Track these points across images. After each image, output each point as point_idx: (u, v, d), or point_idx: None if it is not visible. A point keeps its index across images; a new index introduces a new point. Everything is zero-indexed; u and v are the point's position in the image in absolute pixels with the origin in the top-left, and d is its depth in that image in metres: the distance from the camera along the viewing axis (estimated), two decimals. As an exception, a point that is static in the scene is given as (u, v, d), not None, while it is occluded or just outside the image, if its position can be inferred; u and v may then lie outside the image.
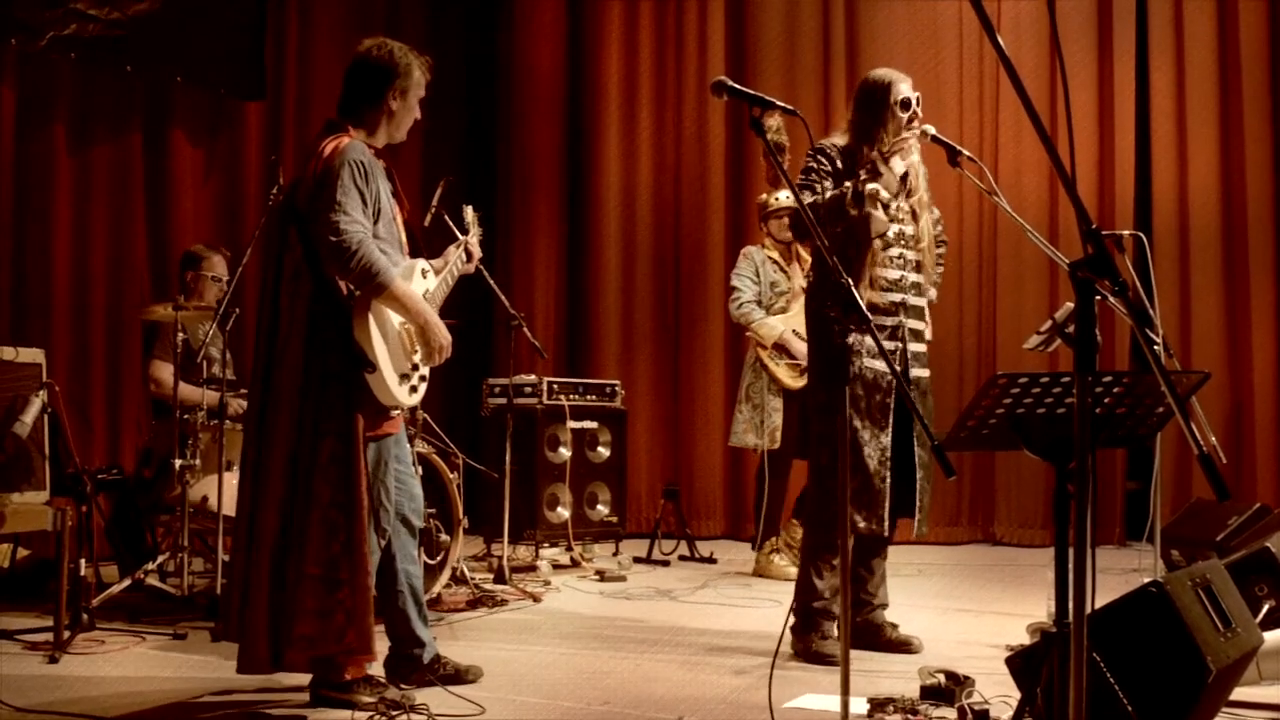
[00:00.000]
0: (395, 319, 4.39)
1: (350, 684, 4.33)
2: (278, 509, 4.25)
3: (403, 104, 4.53)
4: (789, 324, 7.51)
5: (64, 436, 5.55)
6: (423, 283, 4.58)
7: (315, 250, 4.26)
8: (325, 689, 4.35)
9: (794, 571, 7.50)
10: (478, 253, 5.02)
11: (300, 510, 4.23)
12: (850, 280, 3.54)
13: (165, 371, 6.51)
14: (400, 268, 4.44)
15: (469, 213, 5.16)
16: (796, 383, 7.49)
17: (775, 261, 7.68)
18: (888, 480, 5.23)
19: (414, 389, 4.45)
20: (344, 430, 4.24)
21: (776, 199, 7.65)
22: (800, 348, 7.37)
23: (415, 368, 4.45)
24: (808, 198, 5.08)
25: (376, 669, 4.48)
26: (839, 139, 5.38)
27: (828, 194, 5.10)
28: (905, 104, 5.24)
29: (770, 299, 7.65)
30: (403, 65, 4.51)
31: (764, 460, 7.62)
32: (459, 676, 4.65)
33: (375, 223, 4.36)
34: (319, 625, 4.21)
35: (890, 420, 5.25)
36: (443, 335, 4.46)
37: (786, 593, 6.52)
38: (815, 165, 5.22)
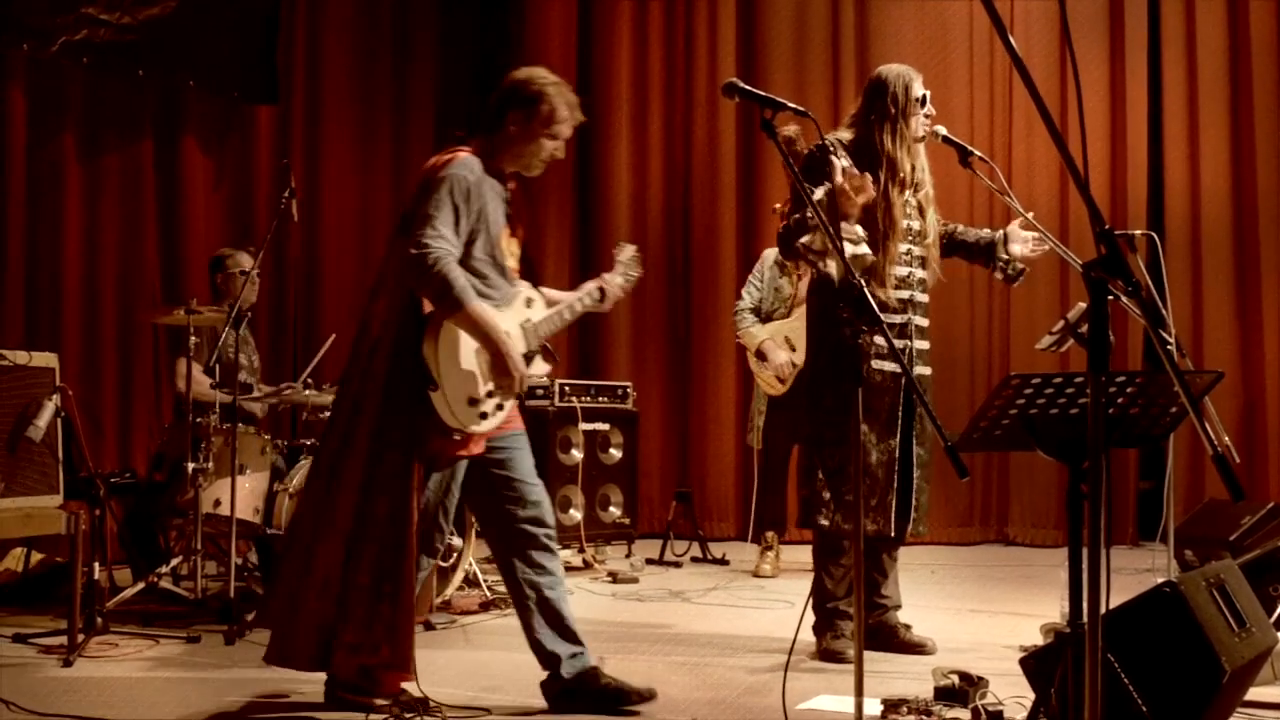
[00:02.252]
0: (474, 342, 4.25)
1: (369, 691, 4.29)
2: (349, 512, 4.21)
3: (524, 131, 4.37)
4: (780, 331, 7.55)
5: (77, 440, 5.55)
6: (524, 312, 4.45)
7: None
8: (344, 692, 4.32)
9: (766, 569, 7.65)
10: (615, 294, 4.82)
11: (360, 519, 4.19)
12: (863, 282, 3.54)
13: (185, 368, 6.49)
14: (502, 291, 4.35)
15: (627, 250, 4.98)
16: (774, 389, 7.56)
17: (782, 267, 7.69)
18: (895, 483, 5.23)
19: (484, 415, 4.26)
20: (406, 446, 4.18)
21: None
22: (777, 357, 7.43)
23: (490, 395, 4.28)
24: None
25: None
26: (844, 133, 5.37)
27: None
28: (921, 101, 5.24)
29: (772, 304, 7.68)
30: (535, 92, 4.35)
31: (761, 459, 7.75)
32: (623, 695, 4.39)
33: (472, 243, 4.25)
34: (363, 634, 4.18)
35: (899, 423, 5.24)
36: (516, 367, 4.21)
37: (798, 594, 6.52)
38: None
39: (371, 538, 4.19)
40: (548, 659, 4.38)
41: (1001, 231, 5.55)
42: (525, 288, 4.50)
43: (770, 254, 7.83)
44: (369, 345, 4.31)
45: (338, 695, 4.34)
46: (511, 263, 4.47)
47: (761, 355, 7.55)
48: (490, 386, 4.26)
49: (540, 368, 4.58)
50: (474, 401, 4.24)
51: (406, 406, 4.17)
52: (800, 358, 7.36)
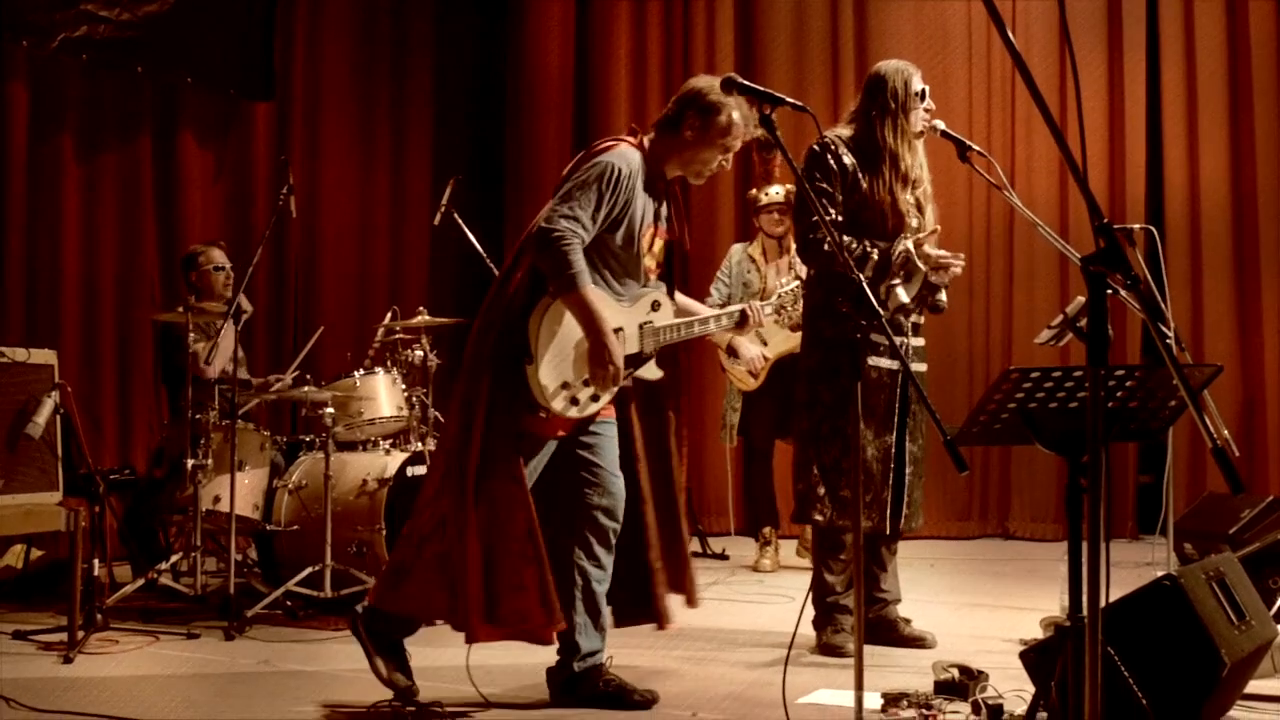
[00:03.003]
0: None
1: (387, 643, 4.29)
2: (473, 485, 4.20)
3: (700, 138, 4.37)
4: None
5: (76, 437, 5.55)
6: (648, 314, 4.45)
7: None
8: (367, 627, 4.30)
9: (765, 564, 7.62)
10: (757, 322, 4.80)
11: (467, 488, 4.18)
12: (861, 276, 3.55)
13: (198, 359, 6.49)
14: (630, 290, 4.38)
15: (789, 291, 4.96)
16: (747, 384, 7.52)
17: (753, 259, 7.65)
18: (890, 478, 5.23)
19: (575, 400, 4.25)
20: (508, 412, 4.18)
21: (767, 194, 7.63)
22: (749, 351, 7.39)
23: (587, 383, 4.26)
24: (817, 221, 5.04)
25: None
26: (844, 130, 5.37)
27: (872, 253, 5.11)
28: (921, 95, 5.24)
29: (742, 298, 7.59)
30: (716, 103, 4.33)
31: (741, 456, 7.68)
32: (623, 697, 4.39)
33: (612, 232, 4.26)
34: (521, 598, 4.19)
35: (894, 419, 5.24)
36: (612, 358, 4.20)
37: (798, 589, 6.53)
38: (824, 187, 5.17)
39: (484, 504, 4.18)
40: (569, 647, 4.38)
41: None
42: (657, 291, 4.50)
43: (737, 249, 7.82)
44: (488, 319, 4.30)
45: (359, 628, 4.31)
46: (650, 263, 4.48)
47: (732, 351, 7.48)
48: (587, 375, 4.25)
49: (653, 372, 4.53)
50: (566, 385, 4.23)
51: (511, 375, 4.18)
52: (771, 351, 7.37)
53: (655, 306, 4.47)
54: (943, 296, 5.33)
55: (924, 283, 5.23)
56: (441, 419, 6.63)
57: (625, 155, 4.27)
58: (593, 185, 4.18)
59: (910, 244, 5.12)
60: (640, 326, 4.41)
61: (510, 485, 4.18)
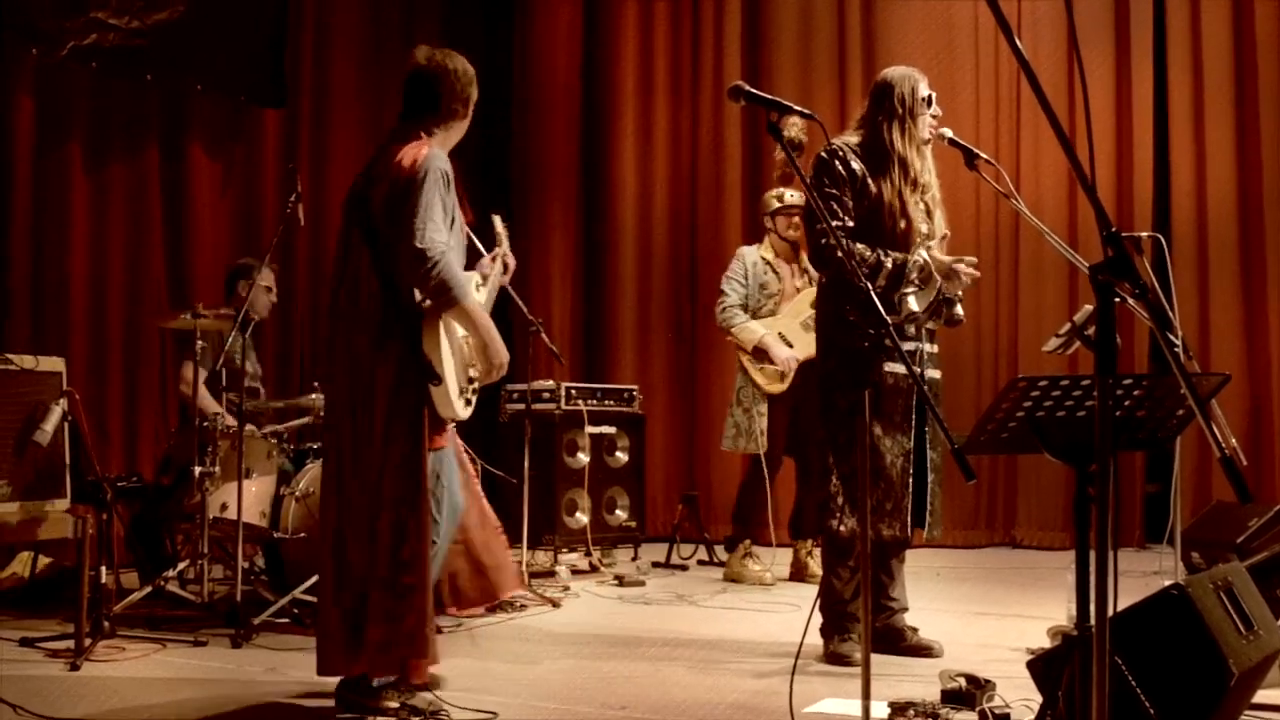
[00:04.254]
0: (460, 332, 4.42)
1: (377, 691, 4.32)
2: (364, 513, 4.27)
3: (465, 113, 4.55)
4: (775, 327, 7.49)
5: (84, 445, 5.56)
6: (476, 295, 4.59)
7: (389, 256, 4.27)
8: (353, 694, 4.34)
9: (768, 577, 7.55)
10: (512, 263, 5.02)
11: (370, 516, 4.25)
12: (869, 285, 3.54)
13: (192, 373, 6.52)
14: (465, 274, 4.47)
15: (498, 223, 5.13)
16: (775, 387, 7.47)
17: (768, 262, 7.63)
18: (910, 486, 5.22)
19: (469, 402, 4.47)
20: (413, 438, 4.25)
21: (787, 196, 7.62)
22: (781, 352, 7.37)
23: (471, 381, 4.49)
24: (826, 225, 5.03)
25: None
26: (851, 136, 5.37)
27: (886, 262, 5.11)
28: (928, 101, 5.25)
29: (759, 301, 7.59)
30: (466, 80, 4.52)
31: (755, 463, 7.60)
32: None
33: (450, 230, 4.37)
34: (389, 629, 4.22)
35: (912, 425, 5.23)
36: (503, 353, 4.46)
37: (805, 597, 6.52)
38: (834, 194, 5.17)
39: (386, 533, 4.23)
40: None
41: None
42: (475, 274, 4.69)
43: (750, 251, 7.78)
44: (350, 342, 4.35)
45: (348, 697, 4.35)
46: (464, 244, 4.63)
47: (760, 352, 7.48)
48: (473, 372, 4.46)
49: None
50: (462, 390, 4.41)
51: (412, 403, 4.25)
52: (799, 353, 7.34)
53: (478, 287, 4.71)
54: (959, 310, 5.32)
55: (939, 295, 5.22)
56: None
57: (441, 156, 4.37)
58: (435, 197, 4.27)
59: (926, 254, 5.12)
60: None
61: (426, 515, 4.28)
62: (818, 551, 7.58)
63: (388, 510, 4.23)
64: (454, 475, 4.58)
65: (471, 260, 4.74)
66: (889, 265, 5.10)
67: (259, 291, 6.80)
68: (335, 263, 4.51)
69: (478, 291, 4.63)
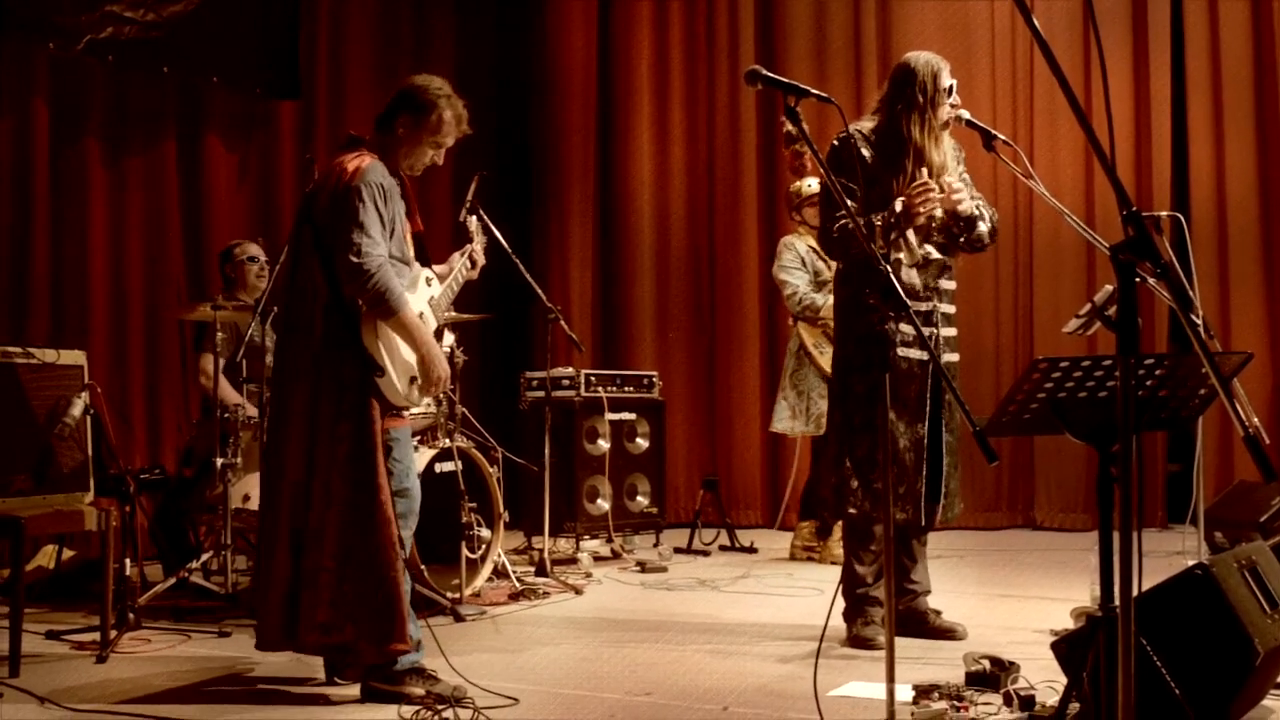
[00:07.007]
0: None
1: (401, 675, 4.36)
2: (290, 506, 4.40)
3: (411, 135, 4.56)
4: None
5: (106, 437, 5.58)
6: (427, 290, 4.73)
7: (332, 263, 4.38)
8: (376, 682, 4.38)
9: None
10: (481, 260, 5.12)
11: (318, 508, 4.35)
12: (889, 269, 3.54)
13: (212, 364, 6.54)
14: (407, 278, 4.56)
15: (473, 221, 5.27)
16: None
17: (815, 250, 7.64)
18: (924, 470, 5.21)
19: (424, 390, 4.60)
20: (361, 432, 4.35)
21: (809, 186, 7.63)
22: None
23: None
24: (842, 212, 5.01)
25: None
26: (867, 122, 5.34)
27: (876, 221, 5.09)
28: (949, 91, 5.20)
29: (814, 288, 7.63)
30: (424, 101, 4.55)
31: (818, 445, 7.62)
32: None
33: (389, 239, 4.47)
34: (332, 614, 4.33)
35: (926, 409, 5.22)
36: (441, 368, 4.56)
37: (828, 581, 6.52)
38: (843, 181, 5.13)
39: (333, 524, 4.34)
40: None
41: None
42: (421, 269, 4.75)
43: (796, 241, 7.78)
44: (302, 346, 4.47)
45: (371, 686, 4.39)
46: (409, 251, 4.69)
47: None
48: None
49: (449, 339, 5.05)
50: (414, 379, 4.52)
51: (357, 394, 4.37)
52: None
53: (429, 282, 4.79)
54: (982, 228, 5.27)
55: (945, 230, 5.20)
56: (469, 415, 6.64)
57: (377, 169, 4.45)
58: (370, 207, 4.37)
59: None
60: (429, 303, 4.73)
61: (351, 508, 4.36)
62: (809, 533, 7.68)
63: (335, 504, 4.34)
64: (410, 454, 4.68)
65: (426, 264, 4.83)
66: (878, 223, 5.06)
67: (244, 268, 6.91)
68: (283, 268, 4.60)
69: (430, 285, 4.74)
